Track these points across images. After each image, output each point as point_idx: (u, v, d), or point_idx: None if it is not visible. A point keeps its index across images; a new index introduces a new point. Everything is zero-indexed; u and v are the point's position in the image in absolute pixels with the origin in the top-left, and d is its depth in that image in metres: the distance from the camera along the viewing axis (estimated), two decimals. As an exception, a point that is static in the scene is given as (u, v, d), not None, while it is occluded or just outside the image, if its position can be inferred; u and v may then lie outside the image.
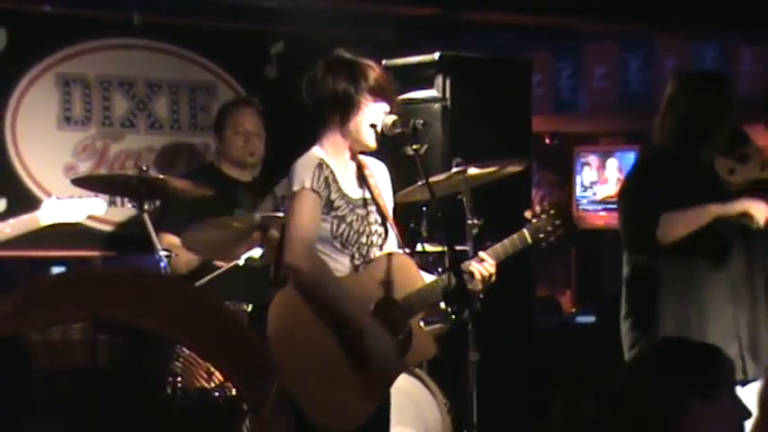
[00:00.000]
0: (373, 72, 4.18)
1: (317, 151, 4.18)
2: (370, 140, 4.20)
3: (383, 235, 4.28)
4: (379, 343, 4.08)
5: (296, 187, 4.08)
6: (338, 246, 4.15)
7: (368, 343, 4.05)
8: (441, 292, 4.23)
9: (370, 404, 4.14)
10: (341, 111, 4.14)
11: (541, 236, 4.43)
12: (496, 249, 4.38)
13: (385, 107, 4.18)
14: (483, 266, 4.29)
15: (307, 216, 4.07)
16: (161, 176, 4.97)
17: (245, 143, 5.51)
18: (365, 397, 4.12)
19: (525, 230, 4.40)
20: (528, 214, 4.44)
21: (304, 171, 4.10)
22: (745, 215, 4.34)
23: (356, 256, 4.19)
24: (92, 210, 4.99)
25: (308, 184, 4.07)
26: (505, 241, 4.40)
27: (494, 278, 4.30)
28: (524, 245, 4.41)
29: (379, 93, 4.17)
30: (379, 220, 4.28)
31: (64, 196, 5.20)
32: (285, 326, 4.05)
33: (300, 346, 4.04)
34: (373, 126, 4.16)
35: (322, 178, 4.09)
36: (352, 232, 4.18)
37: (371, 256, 4.22)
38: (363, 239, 4.21)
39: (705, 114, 4.46)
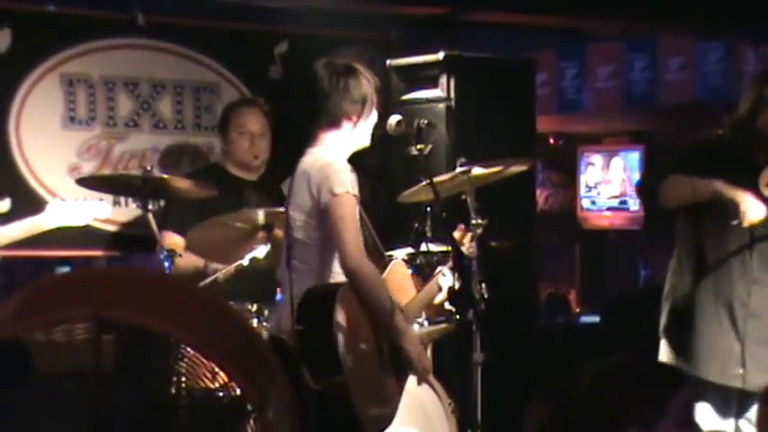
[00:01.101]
0: (374, 77, 4.30)
1: (328, 154, 4.19)
2: (369, 140, 4.31)
3: None
4: (422, 353, 4.21)
5: (339, 190, 4.08)
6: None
7: (412, 353, 4.14)
8: (433, 293, 4.30)
9: (394, 408, 4.20)
10: (359, 112, 4.19)
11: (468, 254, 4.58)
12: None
13: (393, 119, 4.33)
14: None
15: (354, 220, 4.10)
16: (165, 176, 4.95)
17: (250, 145, 5.49)
18: (395, 398, 4.20)
19: (464, 251, 4.56)
20: (458, 235, 4.60)
21: (345, 175, 4.12)
22: (736, 206, 4.19)
23: None
24: (96, 213, 4.98)
25: (351, 190, 4.09)
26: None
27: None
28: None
29: (378, 95, 4.29)
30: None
31: (68, 197, 5.20)
32: (351, 319, 4.06)
33: (361, 342, 4.07)
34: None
35: (356, 185, 4.13)
36: None
37: None
38: None
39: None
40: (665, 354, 4.47)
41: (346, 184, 4.09)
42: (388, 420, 4.15)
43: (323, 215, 4.12)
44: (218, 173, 5.53)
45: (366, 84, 4.24)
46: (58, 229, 4.89)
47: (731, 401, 4.31)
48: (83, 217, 4.91)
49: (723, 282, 4.32)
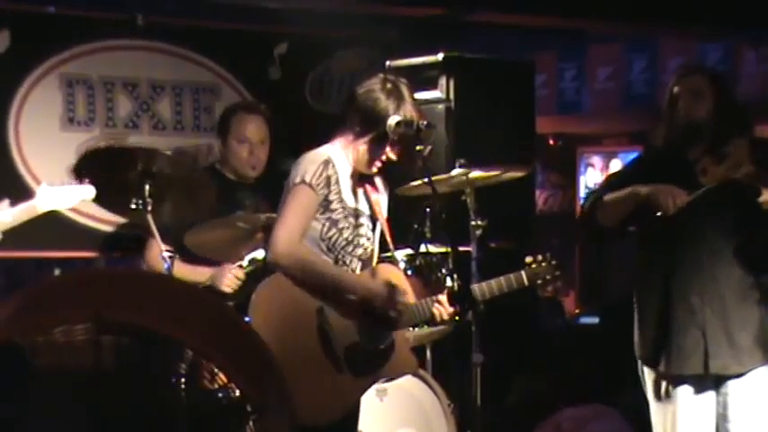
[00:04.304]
0: (415, 120, 4.12)
1: (328, 149, 4.18)
2: (369, 168, 4.22)
3: (368, 250, 4.28)
4: (377, 290, 4.11)
5: (296, 180, 4.08)
6: (324, 248, 4.15)
7: (369, 294, 4.09)
8: (428, 312, 4.24)
9: (342, 403, 4.14)
10: (365, 128, 4.14)
11: (539, 282, 4.43)
12: (490, 285, 4.37)
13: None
14: (440, 309, 4.24)
15: (297, 211, 4.07)
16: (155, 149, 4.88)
17: (249, 154, 5.33)
18: (338, 395, 4.11)
19: (523, 273, 4.40)
20: (528, 260, 4.44)
21: (307, 165, 4.09)
22: (656, 199, 4.26)
23: (340, 262, 4.19)
24: (83, 195, 4.97)
25: (307, 179, 4.06)
26: (501, 279, 4.39)
27: (456, 317, 4.24)
28: (520, 286, 4.41)
29: (401, 144, 4.16)
30: (369, 235, 4.28)
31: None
32: (266, 318, 4.04)
33: (279, 339, 4.01)
34: (376, 160, 4.19)
35: (324, 176, 4.08)
36: (340, 239, 4.17)
37: (352, 267, 4.22)
38: (350, 249, 4.20)
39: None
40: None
41: (306, 173, 4.06)
42: (329, 415, 4.08)
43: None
44: (215, 176, 5.47)
45: (390, 109, 4.10)
46: (50, 212, 4.88)
47: (709, 394, 4.35)
48: (71, 199, 4.90)
49: (676, 277, 4.37)
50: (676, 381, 4.36)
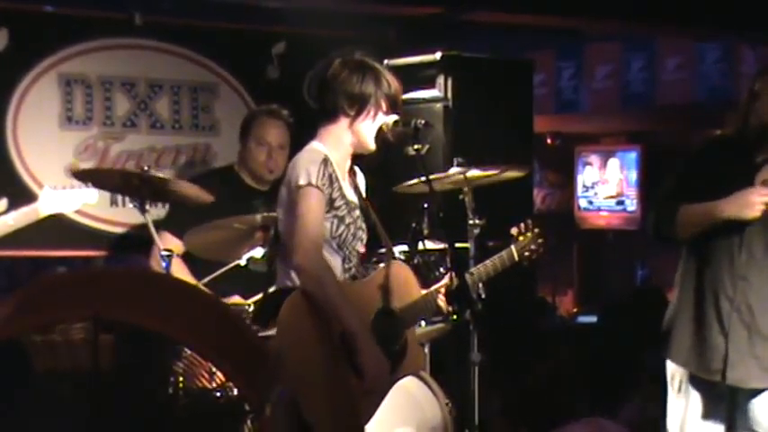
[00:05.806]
0: (394, 83, 4.20)
1: (318, 146, 4.17)
2: (372, 144, 4.21)
3: (364, 241, 4.28)
4: (374, 358, 4.03)
5: (302, 182, 4.03)
6: (334, 246, 4.14)
7: (363, 357, 4.00)
8: (434, 304, 4.24)
9: (371, 406, 4.12)
10: (357, 110, 4.14)
11: (526, 254, 4.42)
12: (486, 267, 4.37)
13: (390, 119, 4.17)
14: (445, 300, 4.24)
15: (314, 214, 4.04)
16: (163, 176, 4.92)
17: (267, 158, 5.34)
18: (366, 399, 4.09)
19: (513, 248, 4.39)
20: (514, 231, 4.42)
21: (310, 166, 4.06)
22: (731, 217, 4.16)
23: (347, 258, 4.18)
24: (85, 198, 4.98)
25: (313, 180, 4.03)
26: (495, 258, 4.38)
27: (454, 315, 4.18)
28: (511, 262, 4.39)
29: (394, 104, 4.19)
30: (364, 226, 4.28)
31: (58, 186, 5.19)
32: (293, 328, 3.98)
33: (306, 351, 3.97)
34: (378, 133, 4.19)
35: (326, 175, 4.07)
36: (348, 234, 4.16)
37: (354, 264, 4.21)
38: (355, 243, 4.20)
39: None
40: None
41: (310, 175, 4.03)
42: (360, 420, 4.07)
43: (291, 208, 4.11)
44: (232, 178, 5.44)
45: (371, 83, 4.14)
46: (51, 216, 4.89)
47: (722, 396, 4.30)
48: (73, 203, 4.91)
49: (710, 276, 4.29)
50: (693, 379, 4.30)
